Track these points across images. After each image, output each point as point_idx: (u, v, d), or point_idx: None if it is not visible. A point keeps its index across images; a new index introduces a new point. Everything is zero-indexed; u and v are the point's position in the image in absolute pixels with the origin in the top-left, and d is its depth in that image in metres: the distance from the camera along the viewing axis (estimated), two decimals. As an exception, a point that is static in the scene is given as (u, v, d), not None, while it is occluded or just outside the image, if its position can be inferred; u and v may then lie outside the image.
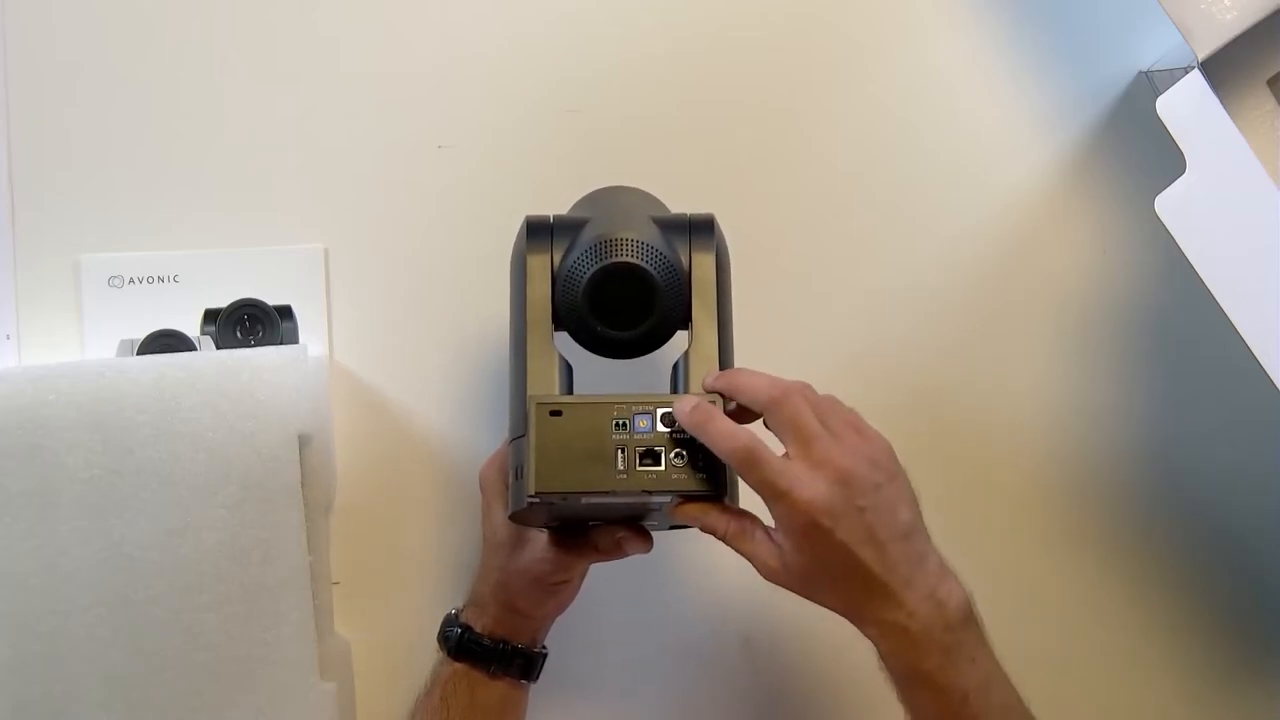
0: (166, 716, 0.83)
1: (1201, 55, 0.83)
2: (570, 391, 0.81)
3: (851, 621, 0.77)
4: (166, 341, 0.86)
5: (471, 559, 0.92)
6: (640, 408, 0.78)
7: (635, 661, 0.96)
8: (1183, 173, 0.82)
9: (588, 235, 0.81)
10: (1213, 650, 0.99)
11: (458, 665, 0.87)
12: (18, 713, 0.82)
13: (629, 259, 0.79)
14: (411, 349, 0.95)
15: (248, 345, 0.87)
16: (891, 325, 0.98)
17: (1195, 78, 0.82)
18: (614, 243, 0.80)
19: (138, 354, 0.86)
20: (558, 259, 0.81)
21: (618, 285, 0.80)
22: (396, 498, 0.95)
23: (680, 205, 0.97)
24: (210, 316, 0.89)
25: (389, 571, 0.95)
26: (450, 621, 0.88)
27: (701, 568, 0.96)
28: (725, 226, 0.97)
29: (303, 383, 0.85)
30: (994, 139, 0.98)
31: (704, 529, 0.78)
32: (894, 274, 0.98)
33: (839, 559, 0.74)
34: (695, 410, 0.76)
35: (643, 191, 0.88)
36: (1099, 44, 0.98)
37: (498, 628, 0.87)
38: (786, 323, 0.97)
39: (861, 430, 0.77)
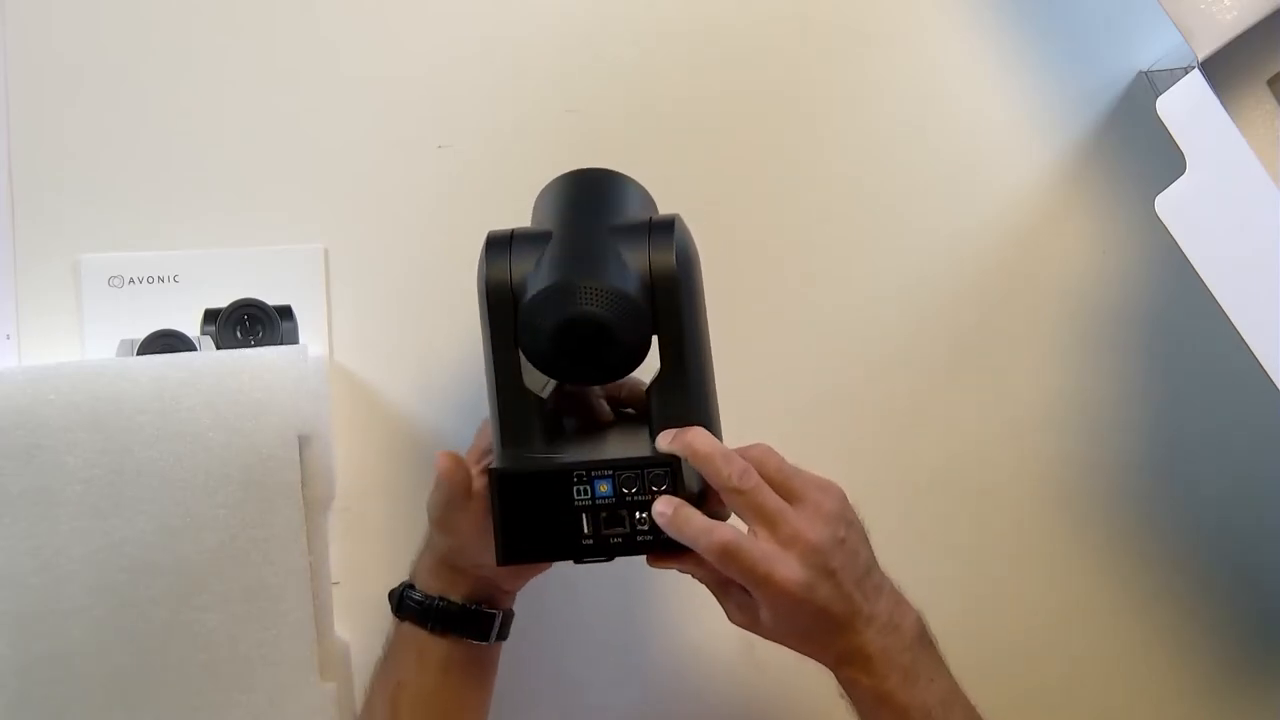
0: (166, 717, 0.83)
1: (1201, 55, 0.83)
2: (553, 408, 0.81)
3: (814, 658, 0.80)
4: (166, 341, 0.86)
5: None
6: (599, 472, 0.77)
7: (636, 663, 0.96)
8: (1183, 173, 0.82)
9: (547, 270, 0.77)
10: (1213, 649, 0.99)
11: (404, 626, 0.85)
12: (18, 713, 0.82)
13: (589, 309, 0.76)
14: (411, 349, 0.95)
15: (248, 345, 0.87)
16: (891, 325, 0.98)
17: (1195, 78, 0.82)
18: (574, 292, 0.76)
19: (138, 354, 0.86)
20: (519, 276, 0.79)
21: (579, 334, 0.77)
22: (396, 498, 0.95)
23: (679, 205, 0.97)
24: (210, 316, 0.89)
25: (389, 571, 0.95)
26: (403, 582, 0.86)
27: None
28: (725, 226, 0.97)
29: (303, 383, 0.85)
30: (994, 139, 0.98)
31: (684, 572, 0.79)
32: (894, 273, 0.98)
33: (813, 617, 0.77)
34: (673, 517, 0.76)
35: (611, 179, 0.85)
36: (1099, 44, 0.98)
37: (437, 583, 0.84)
38: (786, 322, 0.97)
39: (816, 485, 0.79)
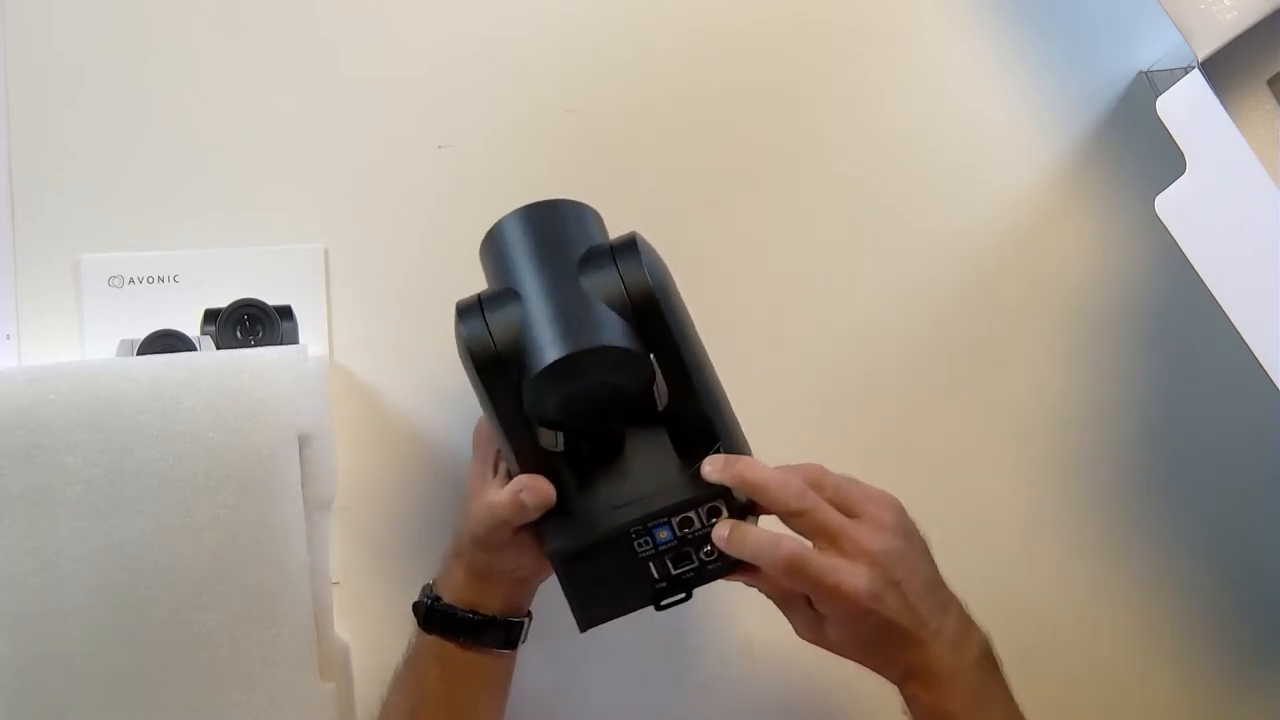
0: (166, 717, 0.83)
1: (1201, 55, 0.83)
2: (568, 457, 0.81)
3: (879, 672, 0.80)
4: (166, 341, 0.86)
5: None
6: (654, 521, 0.78)
7: (636, 663, 0.96)
8: (1183, 173, 0.82)
9: (541, 343, 0.75)
10: (1214, 649, 0.99)
11: (428, 637, 0.85)
12: (18, 713, 0.82)
13: (595, 377, 0.76)
14: (411, 349, 0.95)
15: (248, 345, 0.87)
16: (891, 324, 0.98)
17: (1195, 78, 0.82)
18: (577, 363, 0.75)
19: (138, 354, 0.86)
20: (502, 340, 0.77)
21: (589, 398, 0.77)
22: (396, 498, 0.95)
23: (679, 205, 0.97)
24: (210, 316, 0.89)
25: (389, 571, 0.95)
26: (425, 591, 0.86)
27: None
28: (724, 226, 0.97)
29: (303, 383, 0.85)
30: (994, 139, 0.98)
31: (753, 585, 0.81)
32: (894, 273, 0.98)
33: (879, 629, 0.78)
34: (731, 538, 0.77)
35: (552, 210, 0.82)
36: (1099, 44, 0.98)
37: (470, 595, 0.84)
38: (786, 322, 0.97)
39: (873, 499, 0.80)
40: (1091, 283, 0.98)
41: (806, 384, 0.97)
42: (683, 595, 0.79)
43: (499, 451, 0.84)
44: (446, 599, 0.84)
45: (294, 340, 0.89)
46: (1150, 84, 0.96)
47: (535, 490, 0.79)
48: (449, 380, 0.95)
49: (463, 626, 0.84)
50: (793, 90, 0.98)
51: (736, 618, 0.97)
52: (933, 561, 0.81)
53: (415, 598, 0.94)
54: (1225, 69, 0.84)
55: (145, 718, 0.83)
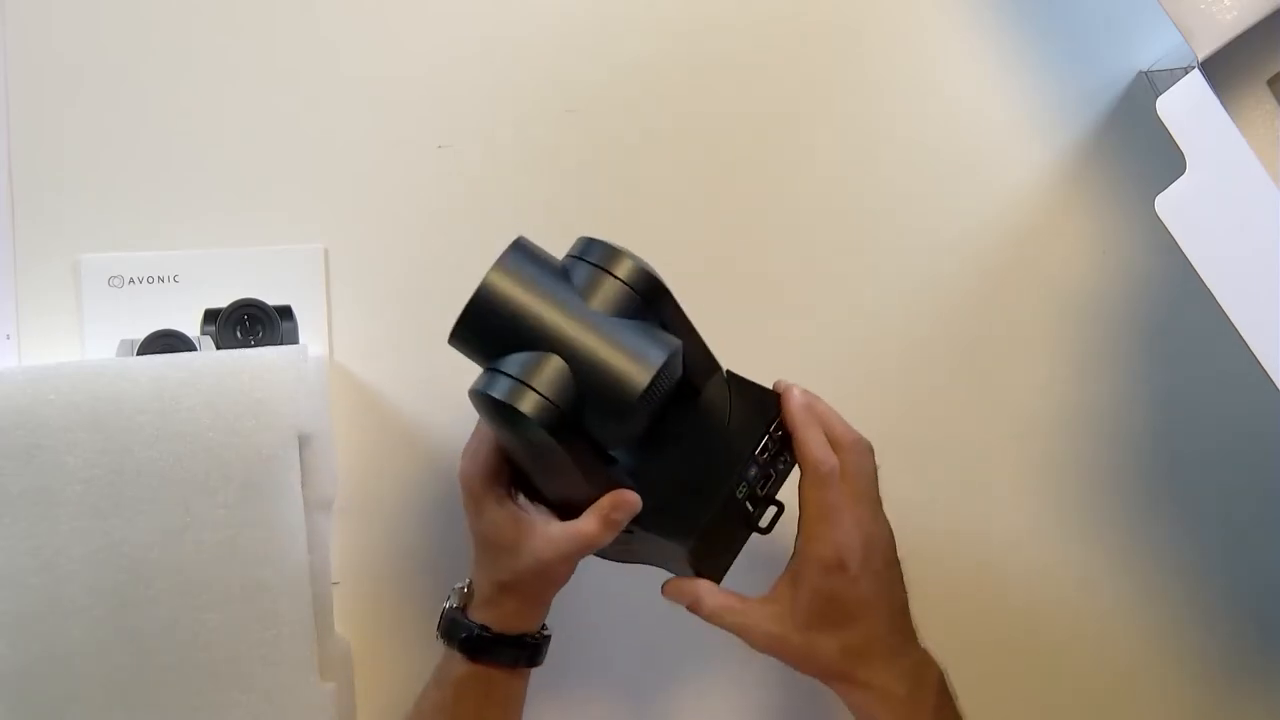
0: (166, 717, 0.83)
1: (1201, 55, 0.83)
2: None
3: (842, 682, 0.83)
4: (166, 341, 0.86)
5: (470, 558, 0.92)
6: (746, 466, 0.84)
7: (635, 661, 0.96)
8: (1183, 173, 0.82)
9: (606, 394, 0.77)
10: (1214, 650, 0.99)
11: (474, 665, 0.84)
12: (18, 713, 0.82)
13: (663, 388, 0.79)
14: (411, 349, 0.95)
15: (248, 345, 0.87)
16: (890, 325, 0.98)
17: (1195, 78, 0.82)
18: (651, 389, 0.77)
19: (138, 354, 0.86)
20: (560, 401, 0.77)
21: (657, 405, 0.80)
22: (396, 498, 0.95)
23: (679, 205, 0.97)
24: (210, 316, 0.89)
25: (389, 571, 0.95)
26: (459, 622, 0.84)
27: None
28: (724, 226, 0.97)
29: (303, 383, 0.85)
30: (994, 139, 0.98)
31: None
32: (893, 273, 0.98)
33: (851, 604, 0.81)
34: (811, 406, 0.83)
35: (512, 266, 0.79)
36: (1099, 44, 0.98)
37: (513, 622, 0.84)
38: (785, 322, 0.97)
39: (882, 519, 0.84)
40: (1091, 283, 0.98)
41: (805, 383, 0.96)
42: (776, 509, 0.84)
43: (510, 487, 0.84)
44: (497, 629, 0.84)
45: (294, 340, 0.89)
46: (1150, 84, 0.96)
47: (626, 505, 0.80)
48: (449, 380, 0.95)
49: (510, 652, 0.85)
50: (792, 90, 0.98)
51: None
52: (904, 594, 0.84)
53: (416, 598, 0.94)
54: (1225, 69, 0.84)
55: (145, 718, 0.83)
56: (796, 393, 0.83)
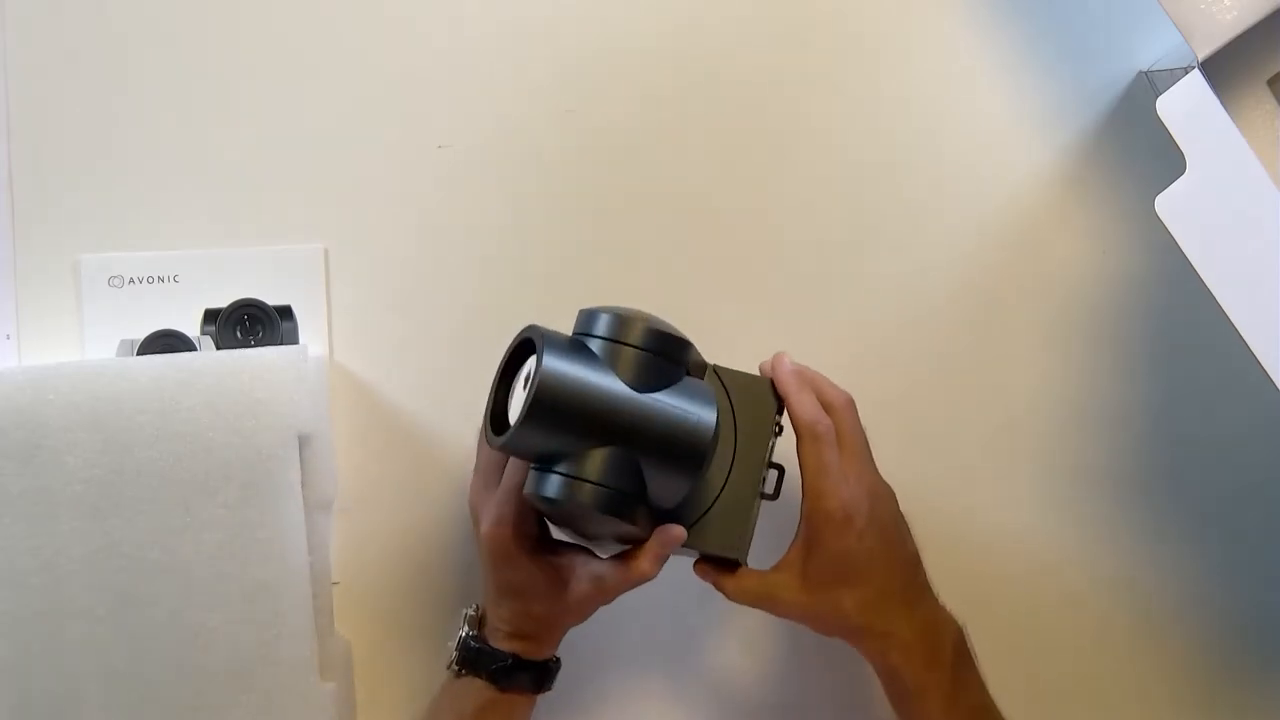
0: (166, 716, 0.83)
1: (1201, 55, 0.83)
2: None
3: (861, 636, 0.84)
4: (166, 341, 0.86)
5: (471, 558, 0.93)
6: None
7: (634, 662, 0.96)
8: (1183, 173, 0.82)
9: (688, 449, 0.79)
10: (1214, 649, 0.99)
11: (500, 693, 0.85)
12: (18, 713, 0.82)
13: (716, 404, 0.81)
14: (411, 349, 0.95)
15: (248, 345, 0.87)
16: (890, 325, 0.98)
17: (1195, 78, 0.82)
18: (710, 437, 0.80)
19: (138, 354, 0.86)
20: (626, 489, 0.79)
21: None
22: (396, 498, 0.95)
23: (678, 205, 0.97)
24: (210, 316, 0.89)
25: (389, 571, 0.95)
26: (486, 652, 0.85)
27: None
28: (724, 226, 0.97)
29: (303, 383, 0.85)
30: (994, 139, 0.98)
31: None
32: (893, 274, 0.98)
33: (861, 558, 0.82)
34: (800, 372, 0.85)
35: (555, 360, 0.78)
36: (1099, 44, 0.98)
37: (537, 650, 0.86)
38: (785, 322, 0.97)
39: (879, 475, 0.86)
40: (1091, 283, 0.98)
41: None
42: (777, 472, 0.86)
43: (537, 535, 0.85)
44: (525, 655, 0.85)
45: (294, 340, 0.89)
46: (1150, 84, 0.96)
47: (674, 540, 0.81)
48: (449, 380, 0.95)
49: (540, 679, 0.86)
50: (792, 90, 0.97)
51: (736, 617, 0.97)
52: (917, 551, 0.86)
53: (416, 598, 0.95)
54: (1225, 69, 0.84)
55: (145, 718, 0.83)
56: (785, 360, 0.85)
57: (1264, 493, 0.99)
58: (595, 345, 0.79)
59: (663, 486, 0.79)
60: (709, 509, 0.83)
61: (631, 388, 0.78)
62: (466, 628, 0.86)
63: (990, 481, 0.98)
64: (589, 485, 0.78)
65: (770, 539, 0.86)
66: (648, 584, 0.83)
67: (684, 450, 0.79)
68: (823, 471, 0.82)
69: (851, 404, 0.86)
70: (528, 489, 0.80)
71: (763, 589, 0.84)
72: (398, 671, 0.94)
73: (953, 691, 0.83)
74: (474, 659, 0.85)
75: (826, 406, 0.85)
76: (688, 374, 0.81)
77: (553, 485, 0.78)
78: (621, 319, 0.80)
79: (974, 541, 0.98)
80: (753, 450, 0.84)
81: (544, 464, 0.79)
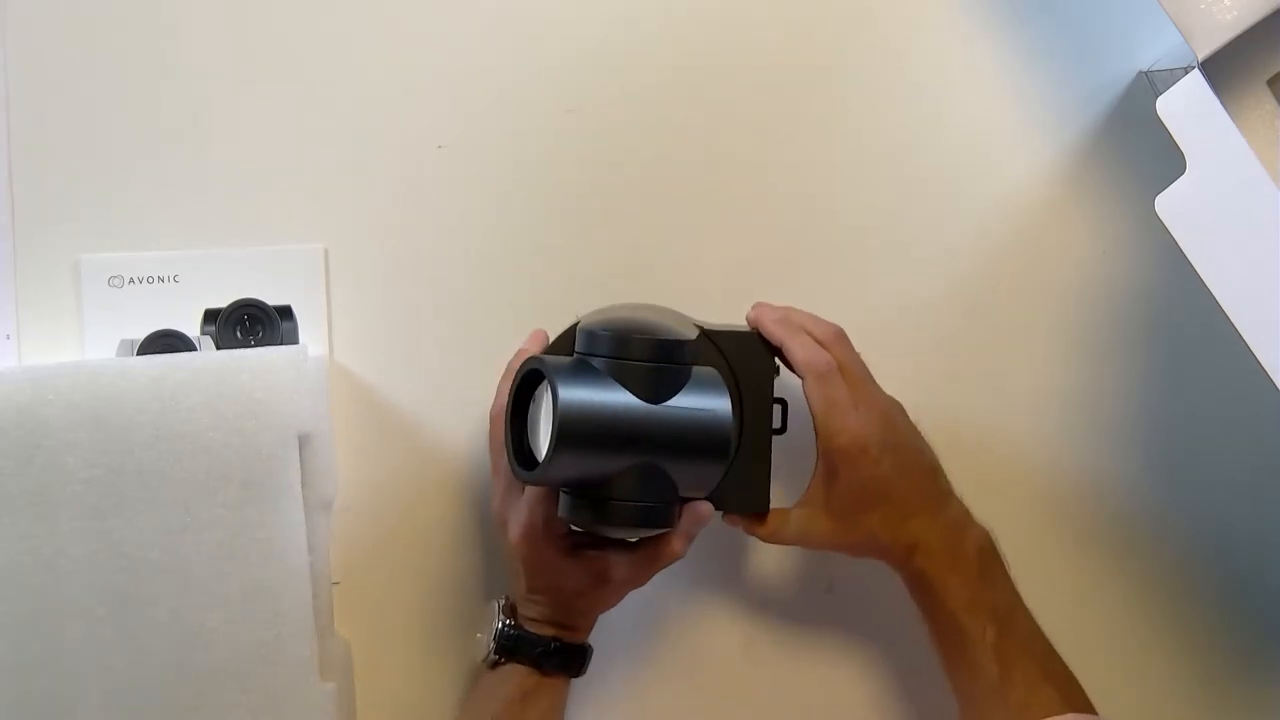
0: (166, 717, 0.83)
1: (1201, 55, 0.82)
2: None
3: (889, 551, 0.87)
4: (166, 341, 0.86)
5: (471, 558, 0.93)
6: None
7: (634, 663, 0.96)
8: (1183, 173, 0.82)
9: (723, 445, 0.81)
10: (1213, 649, 0.99)
11: (544, 677, 0.87)
12: (18, 713, 0.82)
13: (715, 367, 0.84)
14: (411, 349, 0.95)
15: (248, 345, 0.87)
16: (889, 326, 0.98)
17: (1195, 78, 0.82)
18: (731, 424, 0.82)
19: (138, 354, 0.86)
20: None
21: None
22: (396, 498, 0.95)
23: (678, 206, 0.97)
24: (210, 316, 0.89)
25: (389, 571, 0.95)
26: (528, 639, 0.87)
27: (702, 568, 0.96)
28: (724, 227, 0.97)
29: (303, 383, 0.85)
30: (994, 139, 0.98)
31: None
32: (893, 274, 0.98)
33: (881, 482, 0.85)
34: (787, 316, 0.87)
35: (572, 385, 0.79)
36: (1099, 44, 0.98)
37: (574, 635, 0.88)
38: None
39: (885, 394, 0.89)
40: (1091, 283, 0.98)
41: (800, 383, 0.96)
42: (780, 406, 0.88)
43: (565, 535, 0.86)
44: (567, 640, 0.87)
45: (294, 340, 0.89)
46: (1150, 84, 0.96)
47: (703, 518, 0.84)
48: (449, 380, 0.95)
49: (578, 663, 0.88)
50: (792, 90, 0.97)
51: (735, 617, 0.97)
52: (934, 455, 0.89)
53: (416, 598, 0.95)
54: (1225, 69, 0.84)
55: (145, 718, 0.83)
56: (767, 309, 0.88)
57: (1264, 492, 0.99)
58: (600, 364, 0.80)
59: (693, 483, 0.82)
60: (727, 473, 0.84)
61: (646, 400, 0.79)
62: (502, 617, 0.88)
63: (988, 480, 0.98)
64: (625, 505, 0.79)
65: (781, 472, 0.88)
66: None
67: (708, 446, 0.81)
68: (832, 407, 0.84)
69: (843, 334, 0.88)
70: (562, 513, 0.81)
71: (794, 529, 0.87)
72: (398, 671, 0.94)
73: (978, 590, 0.85)
74: (514, 646, 0.87)
75: (820, 342, 0.87)
76: (692, 365, 0.82)
77: (589, 511, 0.80)
78: (618, 338, 0.80)
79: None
80: (758, 404, 0.86)
81: (575, 488, 0.81)
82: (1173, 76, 0.86)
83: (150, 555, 0.82)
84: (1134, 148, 0.97)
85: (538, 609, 0.87)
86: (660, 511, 0.81)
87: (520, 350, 0.88)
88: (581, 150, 0.96)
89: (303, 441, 0.85)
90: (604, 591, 0.86)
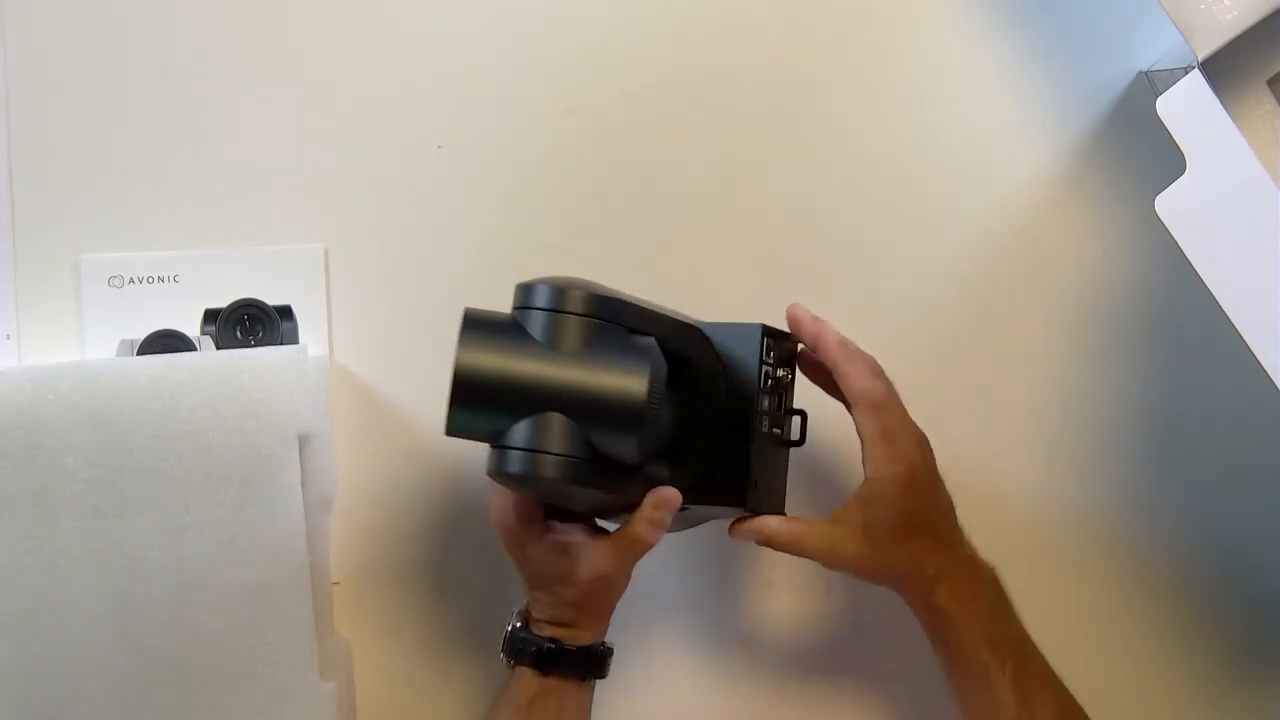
0: (166, 716, 0.83)
1: (1201, 55, 0.82)
2: None
3: (911, 583, 0.87)
4: (166, 341, 0.86)
5: (471, 558, 0.93)
6: (760, 403, 0.87)
7: (634, 663, 0.96)
8: (1183, 173, 0.82)
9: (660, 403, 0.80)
10: (1213, 649, 0.99)
11: (546, 680, 0.86)
12: (18, 713, 0.82)
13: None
14: (411, 349, 0.95)
15: (248, 345, 0.87)
16: (889, 326, 0.98)
17: (1195, 78, 0.82)
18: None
19: (138, 354, 0.86)
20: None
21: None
22: (396, 498, 0.95)
23: (678, 206, 0.97)
24: (210, 316, 0.89)
25: (389, 571, 0.95)
26: (525, 639, 0.86)
27: (701, 569, 0.96)
28: (725, 227, 0.97)
29: (303, 383, 0.85)
30: (994, 139, 0.98)
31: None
32: (893, 274, 0.98)
33: (920, 514, 0.86)
34: (845, 343, 0.87)
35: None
36: (1099, 44, 0.98)
37: (579, 636, 0.86)
38: (783, 322, 0.97)
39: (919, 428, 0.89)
40: (1091, 283, 0.98)
41: (804, 385, 0.96)
42: (800, 418, 0.89)
43: (543, 519, 0.85)
44: (568, 642, 0.86)
45: (294, 340, 0.89)
46: (1150, 84, 0.96)
47: (667, 503, 0.82)
48: (449, 380, 0.95)
49: (589, 664, 0.87)
50: (792, 90, 0.97)
51: (735, 618, 0.97)
52: (950, 497, 0.89)
53: (416, 598, 0.94)
54: (1225, 69, 0.84)
55: (145, 718, 0.83)
56: (829, 330, 0.87)
57: (1263, 492, 0.99)
58: (535, 317, 0.79)
59: (611, 448, 0.79)
60: (714, 464, 0.84)
61: (573, 354, 0.78)
62: (515, 619, 0.87)
63: (987, 480, 0.98)
64: (548, 457, 0.78)
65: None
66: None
67: (621, 409, 0.78)
68: (887, 438, 0.85)
69: (880, 367, 0.88)
70: (489, 468, 0.80)
71: (821, 544, 0.86)
72: (398, 671, 0.94)
73: (996, 625, 0.87)
74: (519, 648, 0.86)
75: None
76: (634, 334, 0.81)
77: (512, 461, 0.78)
78: (556, 290, 0.80)
79: (969, 537, 0.98)
80: (744, 395, 0.86)
81: (500, 442, 0.79)
82: (1173, 76, 0.86)
83: (150, 555, 0.82)
84: (1134, 148, 0.97)
85: (540, 608, 0.86)
86: (586, 468, 0.78)
87: None
88: (581, 150, 0.96)
89: (303, 441, 0.85)
90: (579, 572, 0.84)
